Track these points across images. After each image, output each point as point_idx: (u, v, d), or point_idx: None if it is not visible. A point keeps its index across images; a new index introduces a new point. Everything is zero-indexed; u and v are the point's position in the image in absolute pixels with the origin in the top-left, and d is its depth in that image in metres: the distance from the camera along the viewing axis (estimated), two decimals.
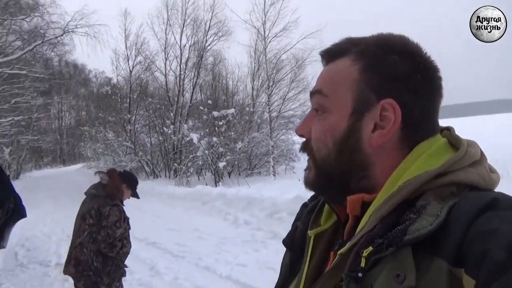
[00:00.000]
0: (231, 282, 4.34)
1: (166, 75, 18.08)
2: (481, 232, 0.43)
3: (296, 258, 0.68)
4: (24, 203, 4.04)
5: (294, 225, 0.73)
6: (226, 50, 26.04)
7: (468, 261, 0.43)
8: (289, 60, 16.85)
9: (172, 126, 16.52)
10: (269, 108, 15.40)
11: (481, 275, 0.41)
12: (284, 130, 16.01)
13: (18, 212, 5.37)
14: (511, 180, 6.03)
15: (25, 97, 19.14)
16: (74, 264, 2.75)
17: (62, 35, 13.71)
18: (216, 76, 18.47)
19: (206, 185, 12.18)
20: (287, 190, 8.42)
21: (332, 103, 0.60)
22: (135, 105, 18.86)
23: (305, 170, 0.65)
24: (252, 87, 17.80)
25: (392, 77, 0.57)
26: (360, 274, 0.49)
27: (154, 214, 8.81)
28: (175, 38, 17.98)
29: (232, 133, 14.56)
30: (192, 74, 17.79)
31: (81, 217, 2.82)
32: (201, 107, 15.97)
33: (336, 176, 0.59)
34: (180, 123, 16.57)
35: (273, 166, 14.74)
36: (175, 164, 16.00)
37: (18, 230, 7.21)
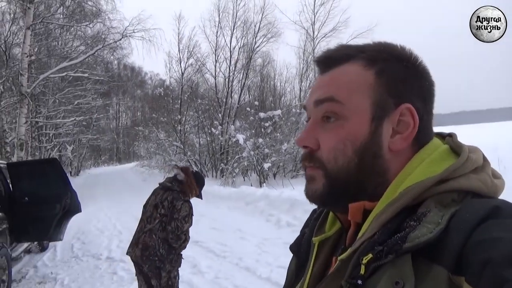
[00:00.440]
0: (270, 283, 4.33)
1: (215, 77, 18.55)
2: (483, 240, 0.43)
3: (302, 264, 0.69)
4: (83, 198, 4.33)
5: (302, 231, 0.73)
6: (274, 51, 26.33)
7: (469, 270, 0.42)
8: None
9: (220, 127, 16.86)
10: None
11: (482, 284, 0.41)
12: None
13: (74, 207, 5.79)
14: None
15: (87, 99, 20.54)
16: (142, 248, 2.93)
17: (120, 39, 14.45)
18: (264, 78, 18.66)
19: (251, 185, 12.28)
20: None
21: (348, 110, 0.57)
22: (186, 106, 19.47)
23: (308, 181, 0.61)
24: (300, 88, 17.76)
25: (405, 82, 0.57)
26: (359, 281, 0.49)
27: (199, 213, 8.93)
28: (225, 40, 18.42)
29: (278, 134, 14.54)
30: (241, 75, 18.11)
31: (154, 206, 3.03)
32: (248, 108, 16.16)
33: (353, 184, 0.57)
34: (227, 124, 16.86)
35: None
36: (221, 164, 16.30)
37: (75, 224, 7.76)
